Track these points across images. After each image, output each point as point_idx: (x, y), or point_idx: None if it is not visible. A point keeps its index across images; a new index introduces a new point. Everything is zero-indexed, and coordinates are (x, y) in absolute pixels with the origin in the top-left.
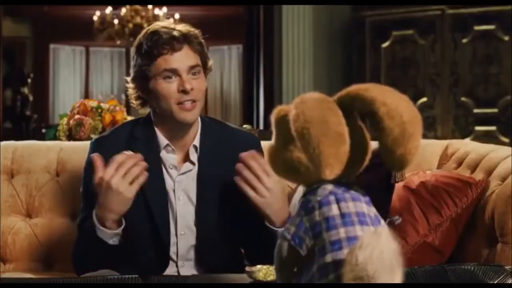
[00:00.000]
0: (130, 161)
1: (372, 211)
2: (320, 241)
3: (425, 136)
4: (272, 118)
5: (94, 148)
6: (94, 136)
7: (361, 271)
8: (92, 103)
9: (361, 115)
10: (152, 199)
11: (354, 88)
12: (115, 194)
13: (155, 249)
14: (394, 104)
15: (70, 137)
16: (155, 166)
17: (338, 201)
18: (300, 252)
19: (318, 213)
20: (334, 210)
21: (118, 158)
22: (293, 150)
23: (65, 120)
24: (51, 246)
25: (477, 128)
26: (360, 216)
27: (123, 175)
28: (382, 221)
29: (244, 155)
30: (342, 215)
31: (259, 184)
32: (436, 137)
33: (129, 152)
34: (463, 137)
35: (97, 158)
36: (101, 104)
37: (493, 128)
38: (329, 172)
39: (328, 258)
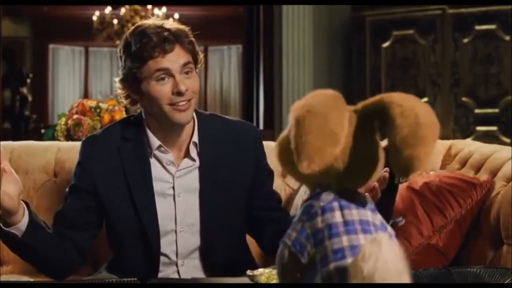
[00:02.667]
0: None
1: (377, 218)
2: (322, 249)
3: None
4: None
5: (85, 147)
6: None
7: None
8: (91, 103)
9: (381, 122)
10: (139, 201)
11: (379, 95)
12: None
13: (143, 248)
14: (411, 106)
15: (69, 137)
16: (145, 168)
17: (341, 208)
18: (301, 260)
19: (321, 220)
20: (337, 217)
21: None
22: None
23: (63, 120)
24: None
25: (478, 128)
26: (363, 224)
27: None
28: (389, 228)
29: None
30: (345, 223)
31: None
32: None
33: None
34: (464, 137)
35: None
36: (100, 104)
37: (494, 128)
38: (306, 165)
39: (331, 267)
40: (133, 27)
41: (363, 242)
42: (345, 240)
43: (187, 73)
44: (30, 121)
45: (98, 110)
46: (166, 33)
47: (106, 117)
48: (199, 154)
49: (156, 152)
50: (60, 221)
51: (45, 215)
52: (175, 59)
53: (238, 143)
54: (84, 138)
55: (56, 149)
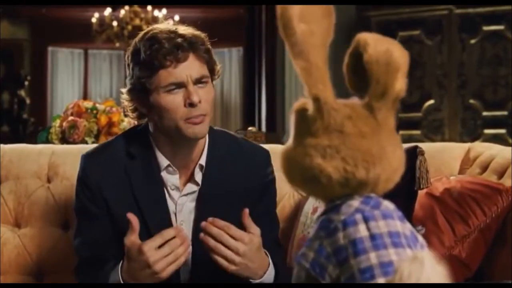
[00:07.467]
0: (177, 240)
1: (407, 228)
2: (346, 269)
3: (432, 140)
4: (293, 112)
5: (87, 164)
6: (88, 139)
7: None
8: (87, 104)
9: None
10: (153, 225)
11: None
12: (150, 273)
13: None
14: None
15: (64, 140)
16: (155, 189)
17: (366, 220)
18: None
19: (343, 235)
20: (362, 231)
21: (165, 233)
22: (313, 155)
23: (58, 122)
24: (42, 258)
25: (486, 131)
26: (393, 236)
27: (165, 255)
28: (420, 238)
29: (203, 224)
30: (372, 237)
31: (227, 251)
32: (444, 140)
33: (176, 227)
34: (471, 140)
35: (133, 218)
36: (97, 105)
37: (502, 131)
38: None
39: None
40: (143, 32)
41: (394, 258)
42: (373, 257)
43: (202, 83)
44: (28, 124)
45: (94, 112)
46: (179, 40)
47: (103, 119)
48: (203, 178)
49: (163, 174)
50: (93, 256)
51: (37, 223)
52: (188, 69)
53: (245, 170)
54: (85, 153)
55: (50, 153)
